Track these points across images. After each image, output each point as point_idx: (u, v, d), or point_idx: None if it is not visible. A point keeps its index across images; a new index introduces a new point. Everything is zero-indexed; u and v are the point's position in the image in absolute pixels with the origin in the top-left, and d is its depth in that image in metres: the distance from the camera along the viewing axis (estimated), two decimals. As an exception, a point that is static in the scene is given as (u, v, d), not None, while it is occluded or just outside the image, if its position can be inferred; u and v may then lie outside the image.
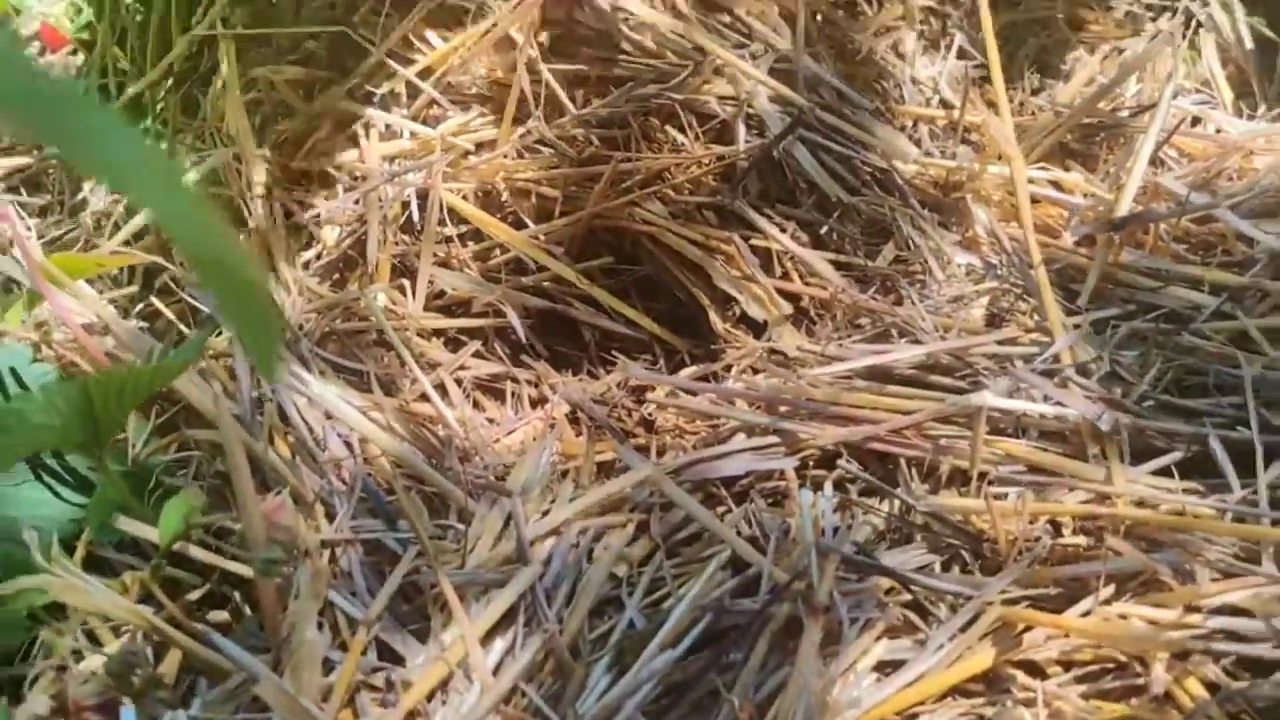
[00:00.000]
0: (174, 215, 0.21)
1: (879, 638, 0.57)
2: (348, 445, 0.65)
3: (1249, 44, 0.84)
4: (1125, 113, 0.77)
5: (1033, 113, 0.81)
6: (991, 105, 0.77)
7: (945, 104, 0.80)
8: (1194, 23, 0.86)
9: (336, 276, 0.79)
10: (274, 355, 0.34)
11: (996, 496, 0.60)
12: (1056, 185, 0.76)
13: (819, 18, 0.85)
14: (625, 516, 0.62)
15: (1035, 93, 0.84)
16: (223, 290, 0.24)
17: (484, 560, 0.57)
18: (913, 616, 0.58)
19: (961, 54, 0.85)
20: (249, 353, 0.61)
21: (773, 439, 0.65)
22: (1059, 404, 0.63)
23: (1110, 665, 0.54)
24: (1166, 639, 0.52)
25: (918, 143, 0.78)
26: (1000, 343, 0.68)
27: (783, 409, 0.65)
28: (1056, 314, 0.68)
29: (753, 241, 0.76)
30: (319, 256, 0.78)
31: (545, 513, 0.61)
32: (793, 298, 0.75)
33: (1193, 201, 0.71)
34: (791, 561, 0.59)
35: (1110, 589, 0.55)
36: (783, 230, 0.76)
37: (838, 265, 0.75)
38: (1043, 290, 0.68)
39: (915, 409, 0.64)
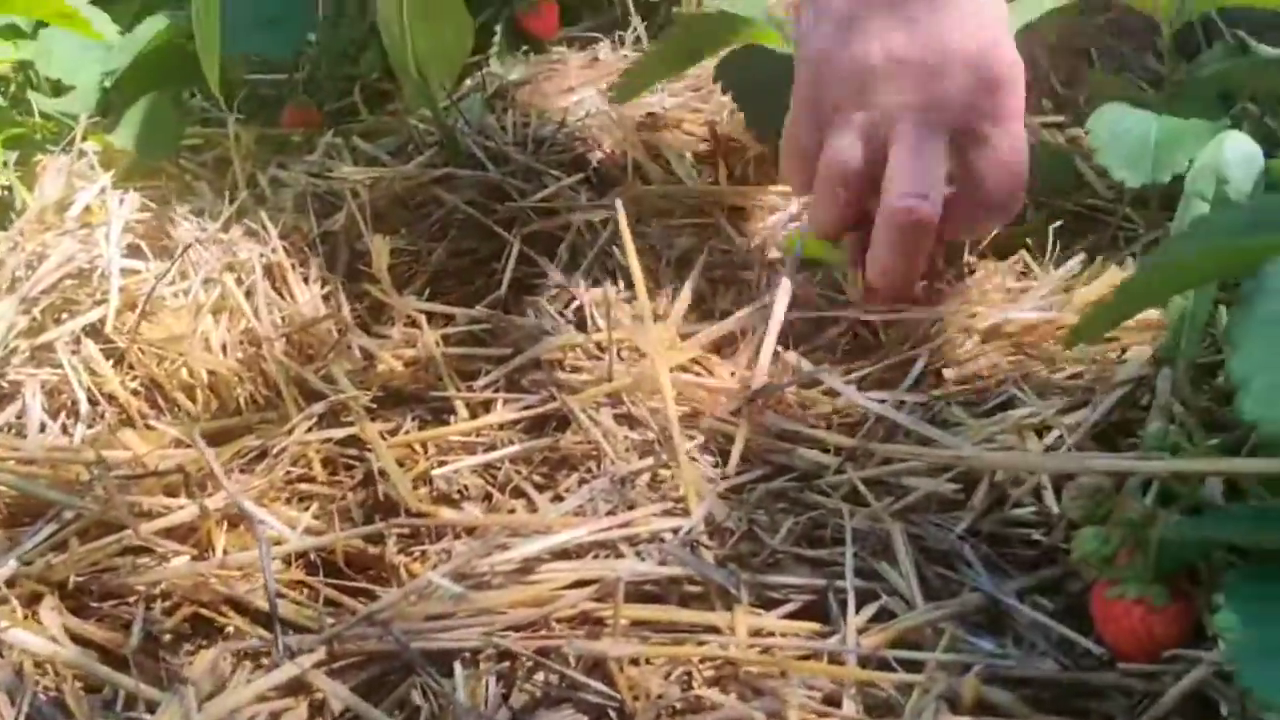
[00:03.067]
0: None
1: (522, 800, 0.63)
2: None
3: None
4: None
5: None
6: (637, 318, 0.87)
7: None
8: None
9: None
10: None
11: (634, 659, 0.67)
12: (705, 373, 0.86)
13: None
14: (299, 699, 0.68)
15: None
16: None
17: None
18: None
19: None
20: None
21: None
22: (690, 567, 0.71)
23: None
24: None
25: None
26: (656, 515, 0.76)
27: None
28: (696, 485, 0.76)
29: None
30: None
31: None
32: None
33: (809, 373, 0.81)
34: (447, 730, 0.65)
35: (715, 736, 0.62)
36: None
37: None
38: (683, 467, 0.77)
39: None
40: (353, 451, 0.86)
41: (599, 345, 0.90)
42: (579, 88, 1.19)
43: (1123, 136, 0.89)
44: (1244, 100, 1.04)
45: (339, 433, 0.86)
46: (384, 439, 0.85)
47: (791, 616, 0.70)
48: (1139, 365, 0.79)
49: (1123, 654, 0.62)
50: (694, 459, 0.80)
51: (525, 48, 1.35)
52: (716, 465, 0.81)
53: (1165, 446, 0.67)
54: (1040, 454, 0.74)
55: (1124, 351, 0.82)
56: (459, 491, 0.82)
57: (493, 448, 0.84)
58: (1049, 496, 0.72)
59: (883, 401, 0.81)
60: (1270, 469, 0.59)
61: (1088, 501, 0.67)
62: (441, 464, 0.82)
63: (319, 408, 0.87)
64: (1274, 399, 0.48)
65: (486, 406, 0.88)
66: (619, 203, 0.89)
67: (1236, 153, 0.78)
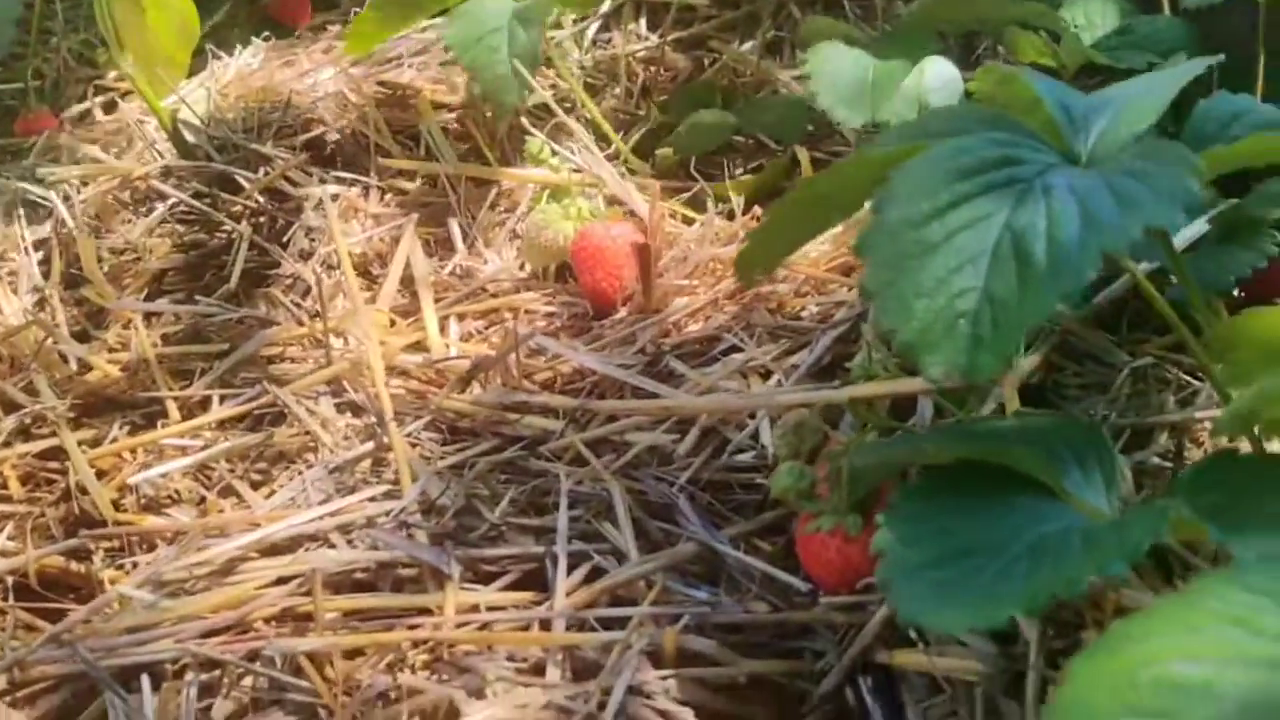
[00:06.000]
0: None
1: (217, 812, 0.58)
2: None
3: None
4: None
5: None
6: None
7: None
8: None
9: None
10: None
11: (347, 652, 0.64)
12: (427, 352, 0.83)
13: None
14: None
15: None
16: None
17: None
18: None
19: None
20: None
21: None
22: (398, 550, 0.67)
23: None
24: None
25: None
26: (371, 500, 0.73)
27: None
28: (411, 465, 0.73)
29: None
30: None
31: None
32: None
33: (527, 335, 0.79)
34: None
35: (416, 721, 0.59)
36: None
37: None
38: (397, 447, 0.73)
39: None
40: (55, 465, 0.80)
41: (323, 333, 0.86)
42: (314, 70, 1.14)
43: (839, 78, 0.88)
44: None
45: (38, 445, 0.80)
46: (90, 448, 0.80)
47: (512, 587, 0.67)
48: (860, 303, 0.78)
49: (826, 586, 0.60)
50: (415, 441, 0.77)
51: (266, 34, 1.28)
52: (443, 444, 0.77)
53: (867, 377, 0.66)
54: (736, 394, 0.72)
55: (850, 290, 0.82)
56: (169, 497, 0.77)
57: (207, 449, 0.79)
58: (768, 440, 0.71)
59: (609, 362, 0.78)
60: (917, 388, 0.58)
61: (792, 437, 0.65)
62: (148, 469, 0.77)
63: (12, 421, 0.81)
64: (905, 310, 0.47)
65: (204, 406, 0.83)
66: (326, 189, 0.85)
67: (936, 78, 0.78)
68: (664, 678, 0.58)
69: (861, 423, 0.64)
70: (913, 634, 0.56)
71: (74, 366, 0.88)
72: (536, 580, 0.67)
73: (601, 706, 0.56)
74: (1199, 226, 0.78)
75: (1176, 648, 0.37)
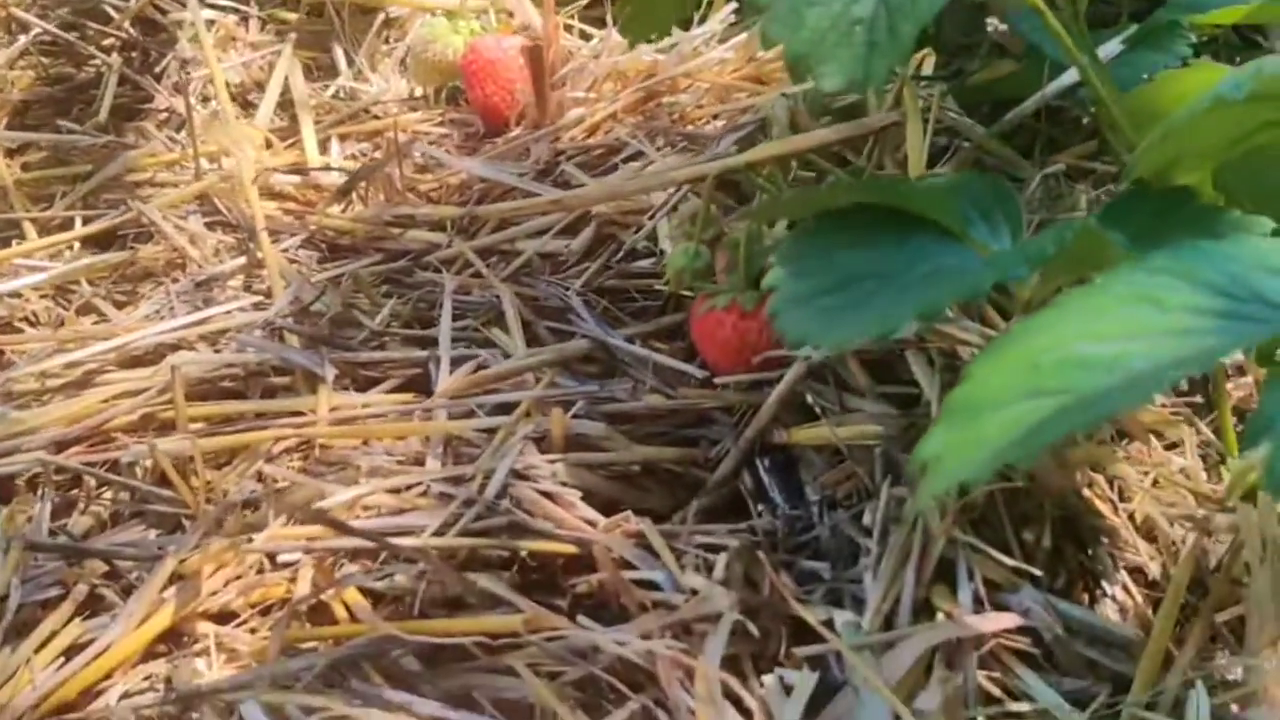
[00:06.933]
0: None
1: (70, 620, 0.54)
2: None
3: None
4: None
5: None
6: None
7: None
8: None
9: None
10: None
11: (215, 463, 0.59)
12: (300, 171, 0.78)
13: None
14: None
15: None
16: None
17: None
18: (113, 595, 0.55)
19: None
20: None
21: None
22: (267, 353, 0.63)
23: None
24: (318, 549, 0.52)
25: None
26: (240, 310, 0.68)
27: None
28: (280, 278, 0.68)
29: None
30: None
31: None
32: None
33: (408, 143, 0.74)
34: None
35: (281, 520, 0.55)
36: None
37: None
38: (268, 256, 0.68)
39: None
40: (-102, 292, 0.74)
41: (193, 155, 0.80)
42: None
43: None
44: None
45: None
46: (-64, 273, 0.73)
47: (394, 392, 0.63)
48: (766, 108, 0.74)
49: (721, 368, 0.57)
50: (293, 259, 0.72)
51: None
52: (321, 260, 0.73)
53: (772, 161, 0.63)
54: (627, 179, 0.68)
55: (757, 97, 0.77)
56: (26, 319, 0.72)
57: (66, 267, 0.74)
58: (666, 244, 0.67)
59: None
60: (813, 144, 0.55)
61: (688, 226, 0.62)
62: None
63: None
64: (796, 19, 0.43)
65: (66, 229, 0.78)
66: (200, 13, 0.79)
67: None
68: (551, 461, 0.54)
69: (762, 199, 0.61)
70: (810, 400, 0.53)
71: (-75, 198, 0.81)
72: (419, 385, 0.63)
73: (482, 490, 0.53)
74: (1114, 46, 0.76)
75: (1081, 331, 0.35)
